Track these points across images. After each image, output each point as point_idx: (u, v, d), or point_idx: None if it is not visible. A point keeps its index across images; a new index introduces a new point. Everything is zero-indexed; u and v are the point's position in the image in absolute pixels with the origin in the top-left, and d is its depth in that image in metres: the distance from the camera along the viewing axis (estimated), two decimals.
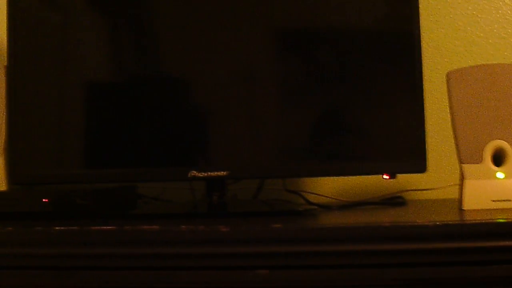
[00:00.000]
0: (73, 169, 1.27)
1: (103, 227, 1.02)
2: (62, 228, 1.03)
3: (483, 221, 0.97)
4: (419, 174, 1.23)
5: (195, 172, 1.21)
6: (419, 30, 1.22)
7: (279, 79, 1.26)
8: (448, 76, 1.17)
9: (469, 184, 1.15)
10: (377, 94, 1.24)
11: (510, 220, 0.97)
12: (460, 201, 1.16)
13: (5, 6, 1.28)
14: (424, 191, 1.45)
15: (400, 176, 1.22)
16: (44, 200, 1.18)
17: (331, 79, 1.24)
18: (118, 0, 1.29)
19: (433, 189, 1.44)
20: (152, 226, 1.01)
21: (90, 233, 1.02)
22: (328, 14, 1.26)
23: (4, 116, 1.29)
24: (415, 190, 1.45)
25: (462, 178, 1.16)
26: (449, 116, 1.18)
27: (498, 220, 0.97)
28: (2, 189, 1.29)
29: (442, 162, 1.47)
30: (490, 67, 1.17)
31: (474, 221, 0.99)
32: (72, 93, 1.28)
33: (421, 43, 1.22)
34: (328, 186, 1.52)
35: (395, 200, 1.38)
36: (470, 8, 1.53)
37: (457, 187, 1.20)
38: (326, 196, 1.47)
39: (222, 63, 1.26)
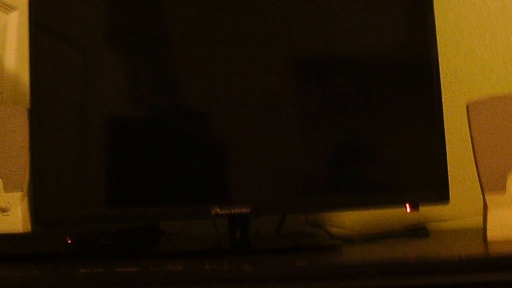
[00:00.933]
0: (96, 209, 1.27)
1: (128, 269, 1.02)
2: (87, 270, 1.03)
3: (508, 254, 0.96)
4: (441, 204, 1.22)
5: (217, 209, 1.21)
6: (437, 56, 1.22)
7: (298, 109, 1.26)
8: (468, 107, 1.17)
9: (492, 215, 1.14)
10: (397, 123, 1.23)
11: None
12: (484, 232, 1.15)
13: (27, 48, 1.30)
14: (448, 222, 1.44)
15: (422, 207, 1.21)
16: (68, 241, 1.18)
17: (350, 108, 1.24)
18: (136, 36, 1.30)
19: (456, 219, 1.43)
20: (176, 266, 1.01)
21: (115, 275, 1.02)
22: (346, 41, 1.26)
23: (28, 157, 1.30)
24: (438, 220, 1.44)
25: (485, 208, 1.16)
26: (469, 144, 1.17)
27: None
28: (27, 231, 1.30)
29: (464, 191, 1.45)
30: (509, 97, 1.16)
31: (499, 254, 0.98)
32: (94, 131, 1.29)
33: (440, 71, 1.22)
34: (350, 218, 1.51)
35: (418, 232, 1.37)
36: (487, 36, 1.52)
37: (481, 216, 1.19)
38: (349, 229, 1.46)
39: (241, 94, 1.25)
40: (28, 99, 1.30)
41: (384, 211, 1.48)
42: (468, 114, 1.17)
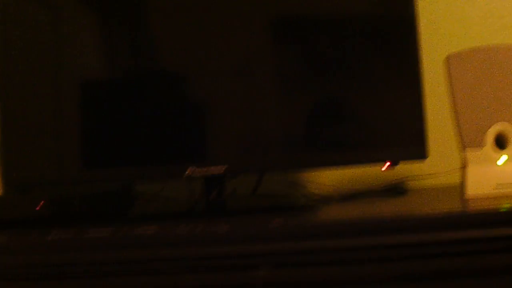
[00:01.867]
0: (69, 170, 1.25)
1: (98, 234, 1.00)
2: (56, 235, 1.01)
3: (487, 210, 0.95)
4: (419, 161, 1.21)
5: (193, 168, 1.19)
6: (415, 13, 1.20)
7: (276, 70, 1.24)
8: (448, 59, 1.14)
9: (471, 170, 1.13)
10: (375, 81, 1.22)
11: None
12: (462, 188, 1.13)
13: None
14: (425, 179, 1.42)
15: (400, 164, 1.19)
16: (40, 204, 1.15)
17: (328, 68, 1.22)
18: None
19: (434, 175, 1.41)
20: (148, 228, 0.98)
21: (86, 240, 1.00)
22: (322, 1, 1.24)
23: None
24: (416, 178, 1.43)
25: (464, 164, 1.14)
26: (448, 100, 1.15)
27: (502, 209, 0.95)
28: None
29: (442, 148, 1.44)
30: (490, 49, 1.14)
31: (477, 210, 0.96)
32: (66, 92, 1.26)
33: (418, 26, 1.19)
34: (329, 175, 1.50)
35: (396, 189, 1.35)
36: None
37: (458, 172, 1.17)
38: (327, 185, 1.45)
39: (217, 56, 1.23)
40: None
41: (362, 169, 1.47)
42: (447, 67, 1.14)
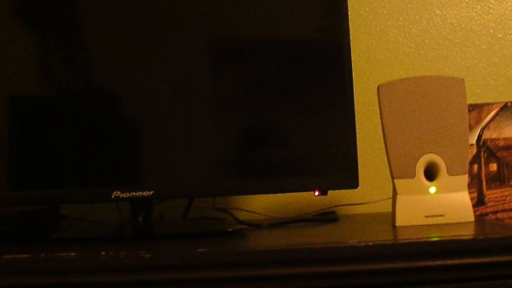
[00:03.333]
0: None
1: (17, 256, 0.96)
2: None
3: (414, 241, 0.95)
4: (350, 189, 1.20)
5: (119, 192, 1.15)
6: (349, 41, 1.21)
7: (208, 92, 1.23)
8: (379, 89, 1.15)
9: (401, 200, 1.13)
10: (308, 107, 1.21)
11: (441, 238, 0.95)
12: (393, 217, 1.13)
13: None
14: (357, 206, 1.42)
15: (332, 191, 1.19)
16: None
17: (261, 92, 1.22)
18: (45, 8, 1.23)
19: (366, 203, 1.42)
20: (69, 253, 0.95)
21: (4, 262, 0.95)
22: (259, 25, 1.23)
23: None
24: (348, 205, 1.42)
25: (394, 193, 1.14)
26: (379, 129, 1.15)
27: (429, 239, 0.95)
28: None
29: (374, 176, 1.45)
30: (421, 80, 1.15)
31: (405, 241, 0.96)
32: None
33: (352, 55, 1.20)
34: (259, 202, 1.48)
35: (328, 216, 1.35)
36: (401, 19, 1.51)
37: (390, 201, 1.17)
38: (257, 213, 1.43)
39: (152, 75, 1.21)
40: None
41: (293, 195, 1.46)
42: (379, 96, 1.15)
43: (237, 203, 1.46)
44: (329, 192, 1.19)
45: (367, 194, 1.43)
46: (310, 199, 1.44)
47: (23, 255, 0.96)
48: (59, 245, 1.08)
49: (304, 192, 1.33)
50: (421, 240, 0.95)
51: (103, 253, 0.94)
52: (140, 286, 0.94)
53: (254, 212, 1.44)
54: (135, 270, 0.93)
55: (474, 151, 1.36)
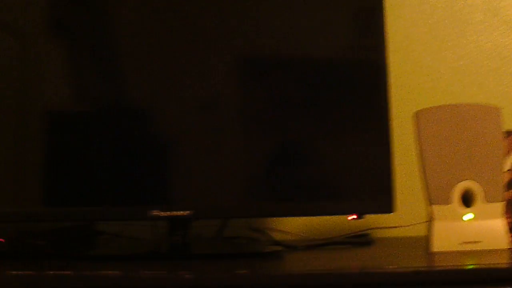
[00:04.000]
0: (30, 207, 1.22)
1: (60, 272, 0.98)
2: (18, 272, 0.99)
3: (452, 268, 0.96)
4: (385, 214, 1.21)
5: (157, 211, 1.17)
6: (386, 63, 1.21)
7: (243, 111, 1.24)
8: (417, 115, 1.16)
9: (438, 226, 1.13)
10: (343, 130, 1.22)
11: (478, 266, 0.96)
12: (428, 242, 1.14)
13: None
14: (391, 229, 1.43)
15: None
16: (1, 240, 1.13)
17: (296, 112, 1.22)
18: (79, 27, 1.26)
19: (400, 227, 1.42)
20: (112, 271, 0.97)
21: (47, 279, 0.98)
22: (294, 43, 1.24)
23: None
24: (381, 228, 1.43)
25: (430, 219, 1.15)
26: (414, 153, 1.16)
27: (467, 267, 0.96)
28: None
29: (409, 200, 1.45)
30: (458, 107, 1.16)
31: (443, 268, 0.97)
32: (30, 125, 1.24)
33: (389, 79, 1.21)
34: (293, 223, 1.49)
35: (362, 239, 1.35)
36: (437, 45, 1.53)
37: (424, 225, 1.18)
38: (291, 233, 1.44)
39: (184, 94, 1.23)
40: None
41: (327, 217, 1.47)
42: (416, 123, 1.16)
43: (271, 223, 1.47)
44: (364, 218, 1.20)
45: (400, 217, 1.43)
46: (344, 220, 1.44)
47: (67, 272, 0.98)
48: (99, 262, 1.10)
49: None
50: (457, 267, 0.96)
51: (144, 272, 0.96)
52: None
53: (287, 233, 1.45)
54: None
55: (509, 177, 1.36)
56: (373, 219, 1.43)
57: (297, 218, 1.49)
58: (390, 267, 0.96)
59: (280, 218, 1.48)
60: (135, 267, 1.00)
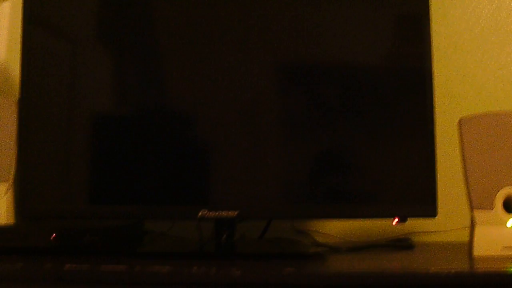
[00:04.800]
0: (80, 205, 1.27)
1: (114, 266, 1.02)
2: (72, 266, 1.02)
3: (495, 271, 0.97)
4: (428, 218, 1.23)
5: (205, 211, 1.21)
6: (431, 70, 1.23)
7: (285, 115, 1.26)
8: (460, 123, 1.18)
9: (479, 231, 1.15)
10: (387, 134, 1.24)
11: None
12: (470, 247, 1.16)
13: (18, 39, 1.29)
14: (432, 234, 1.44)
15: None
16: (52, 235, 1.17)
17: (339, 118, 1.25)
18: (126, 34, 1.30)
19: (441, 231, 1.43)
20: (162, 267, 1.00)
21: (101, 273, 1.02)
22: (335, 49, 1.26)
23: (15, 149, 1.29)
24: (423, 232, 1.45)
25: (472, 224, 1.16)
26: (458, 160, 1.18)
27: (508, 270, 0.97)
28: (10, 223, 1.29)
29: (451, 205, 1.46)
30: (502, 115, 1.18)
31: (485, 271, 0.98)
32: (80, 127, 1.28)
33: (433, 83, 1.22)
34: (336, 226, 1.51)
35: (404, 243, 1.37)
36: (480, 53, 1.54)
37: (465, 230, 1.20)
38: (334, 236, 1.46)
39: (228, 97, 1.26)
40: (17, 91, 1.29)
41: (369, 221, 1.48)
42: (460, 130, 1.18)
43: (314, 225, 1.49)
44: (406, 221, 1.22)
45: (441, 223, 1.44)
46: (385, 224, 1.46)
47: (120, 267, 1.02)
48: (148, 258, 1.14)
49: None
50: (498, 270, 0.98)
51: (194, 268, 1.00)
52: None
53: (330, 235, 1.47)
54: (225, 286, 0.98)
55: None
56: (415, 225, 1.45)
57: (340, 221, 1.51)
58: (433, 268, 0.98)
59: (323, 222, 1.50)
60: (184, 264, 1.03)
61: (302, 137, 1.25)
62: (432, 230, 1.44)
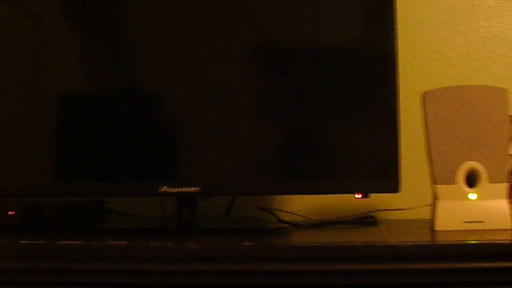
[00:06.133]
0: (41, 182, 1.25)
1: (70, 242, 1.00)
2: (28, 242, 1.01)
3: (455, 243, 0.97)
4: (391, 194, 1.22)
5: (166, 187, 1.19)
6: (395, 51, 1.22)
7: (253, 96, 1.26)
8: (424, 96, 1.17)
9: (441, 205, 1.15)
10: (351, 112, 1.23)
11: (480, 241, 0.97)
12: (432, 221, 1.16)
13: None
14: (396, 211, 1.44)
15: (372, 196, 1.21)
16: (10, 212, 1.15)
17: (305, 97, 1.24)
18: (92, 10, 1.28)
19: (405, 209, 1.43)
20: (120, 241, 0.99)
21: (57, 248, 1.00)
22: (305, 32, 1.25)
23: None
24: (387, 210, 1.44)
25: (435, 198, 1.16)
26: (422, 136, 1.18)
27: (469, 242, 0.97)
28: None
29: (414, 182, 1.46)
30: (465, 88, 1.17)
31: (445, 243, 0.98)
32: (43, 104, 1.27)
33: (397, 63, 1.22)
34: (300, 204, 1.51)
35: (367, 220, 1.37)
36: (446, 30, 1.53)
37: (430, 208, 1.19)
38: (298, 214, 1.46)
39: (196, 78, 1.24)
40: None
41: (333, 198, 1.48)
42: (423, 103, 1.17)
43: (278, 203, 1.49)
44: (369, 196, 1.21)
45: (406, 200, 1.45)
46: (350, 202, 1.46)
47: (76, 242, 1.00)
48: (107, 235, 1.12)
49: (344, 196, 1.36)
50: (459, 242, 0.97)
51: (152, 242, 0.98)
52: (186, 276, 0.97)
53: (294, 214, 1.46)
54: (183, 260, 0.97)
55: None
56: (378, 202, 1.45)
57: (304, 199, 1.51)
58: (392, 240, 0.97)
59: (287, 199, 1.50)
60: (143, 239, 1.02)
61: (268, 115, 1.25)
62: (396, 208, 1.44)
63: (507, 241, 0.97)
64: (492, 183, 1.15)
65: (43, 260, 1.00)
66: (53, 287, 0.99)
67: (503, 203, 1.15)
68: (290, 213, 1.46)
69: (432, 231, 1.14)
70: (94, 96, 1.27)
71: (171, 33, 1.26)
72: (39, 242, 1.01)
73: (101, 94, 1.27)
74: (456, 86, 1.18)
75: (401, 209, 1.44)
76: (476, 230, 1.12)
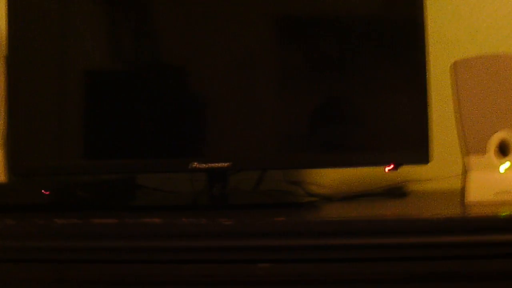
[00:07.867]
0: (73, 160, 1.26)
1: (104, 220, 1.02)
2: (63, 221, 1.02)
3: (487, 216, 0.97)
4: (421, 165, 1.22)
5: (196, 163, 1.20)
6: (424, 18, 1.20)
7: (280, 68, 1.25)
8: (455, 65, 1.16)
9: (473, 176, 1.14)
10: (380, 83, 1.22)
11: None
12: (463, 193, 1.15)
13: None
14: (426, 183, 1.43)
15: (402, 167, 1.21)
16: (44, 192, 1.17)
17: (332, 68, 1.23)
18: None
19: (435, 179, 1.43)
20: (153, 219, 1.00)
21: (92, 226, 1.02)
22: (329, 1, 1.24)
23: (3, 107, 1.27)
24: (416, 180, 1.44)
25: (465, 170, 1.15)
26: (452, 106, 1.17)
27: (501, 215, 0.96)
28: (2, 181, 1.28)
29: (444, 153, 1.44)
30: (497, 58, 1.15)
31: (477, 216, 0.98)
32: (71, 83, 1.27)
33: (426, 32, 1.20)
34: (328, 176, 1.51)
35: (397, 191, 1.37)
36: None
37: (459, 178, 1.19)
38: (326, 187, 1.46)
39: (222, 51, 1.24)
40: (4, 47, 1.27)
41: (362, 170, 1.47)
42: (454, 73, 1.15)
43: (307, 177, 1.49)
44: (399, 168, 1.21)
45: (436, 171, 1.44)
46: (379, 174, 1.45)
47: (111, 220, 1.02)
48: (141, 212, 1.14)
49: (374, 168, 1.35)
50: (491, 215, 0.97)
51: (184, 219, 0.99)
52: (219, 252, 0.98)
53: (324, 186, 1.46)
54: (216, 236, 0.98)
55: None
56: (409, 173, 1.44)
57: (332, 171, 1.51)
58: (424, 213, 0.97)
59: (315, 172, 1.50)
60: (175, 216, 1.03)
61: (296, 88, 1.24)
62: (426, 178, 1.43)
63: None
64: None
65: (79, 239, 1.01)
66: (90, 264, 1.01)
67: None
68: (319, 185, 1.46)
69: (463, 203, 1.13)
70: (121, 72, 1.28)
71: (196, 6, 1.25)
72: (75, 221, 1.02)
73: (128, 71, 1.28)
74: (487, 54, 1.16)
75: (430, 180, 1.43)
76: (507, 201, 1.11)
